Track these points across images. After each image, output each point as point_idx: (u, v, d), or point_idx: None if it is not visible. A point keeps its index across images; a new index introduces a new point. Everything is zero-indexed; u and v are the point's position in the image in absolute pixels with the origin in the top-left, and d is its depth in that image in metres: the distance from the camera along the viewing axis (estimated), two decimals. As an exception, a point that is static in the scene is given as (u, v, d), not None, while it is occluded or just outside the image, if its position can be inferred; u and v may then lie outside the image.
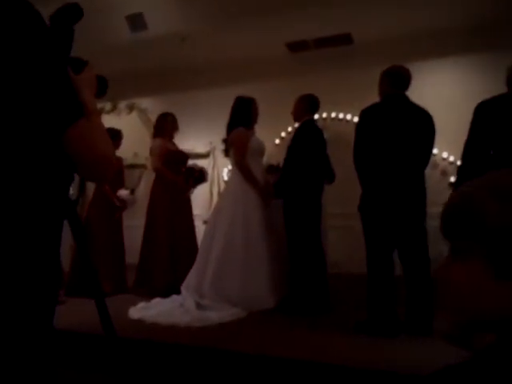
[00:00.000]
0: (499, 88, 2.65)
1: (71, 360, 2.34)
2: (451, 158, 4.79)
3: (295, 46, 5.39)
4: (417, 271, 2.87)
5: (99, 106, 0.99)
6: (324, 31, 4.98)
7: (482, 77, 4.60)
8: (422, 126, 2.98)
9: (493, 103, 2.56)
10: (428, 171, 3.15)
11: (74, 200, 1.01)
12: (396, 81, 3.03)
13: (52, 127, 0.84)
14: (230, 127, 4.04)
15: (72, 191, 1.13)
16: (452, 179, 4.71)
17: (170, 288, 4.01)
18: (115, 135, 4.42)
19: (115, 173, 4.53)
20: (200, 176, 4.55)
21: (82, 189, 1.02)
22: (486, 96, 2.60)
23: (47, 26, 0.90)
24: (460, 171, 2.73)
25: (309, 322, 3.24)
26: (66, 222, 0.96)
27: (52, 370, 0.89)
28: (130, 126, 5.82)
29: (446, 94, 4.79)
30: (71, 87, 0.89)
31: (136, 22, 4.83)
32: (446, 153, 4.77)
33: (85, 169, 0.92)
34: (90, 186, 4.78)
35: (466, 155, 2.62)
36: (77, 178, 0.98)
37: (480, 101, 2.61)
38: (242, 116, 4.01)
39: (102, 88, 1.02)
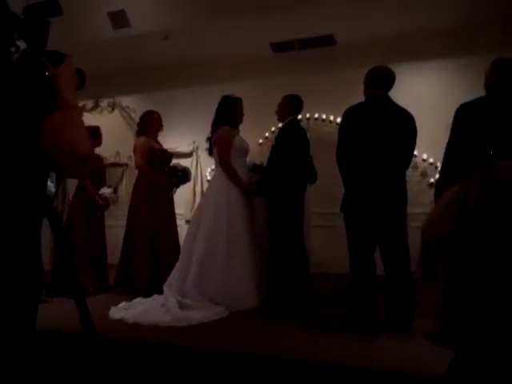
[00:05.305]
0: (478, 91, 2.70)
1: (51, 360, 2.31)
2: (431, 160, 4.87)
3: (279, 47, 5.41)
4: (398, 270, 2.91)
5: (81, 103, 0.98)
6: (307, 32, 5.01)
7: (460, 80, 4.67)
8: (404, 126, 3.02)
9: (473, 106, 2.59)
10: (408, 172, 3.19)
11: (52, 197, 0.99)
12: (379, 81, 3.06)
13: (24, 123, 0.82)
14: (215, 126, 4.03)
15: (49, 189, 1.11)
16: (432, 180, 4.79)
17: (152, 287, 3.98)
18: (94, 133, 4.31)
19: (97, 172, 4.47)
20: (183, 176, 4.52)
21: (57, 186, 1.00)
22: (465, 99, 2.64)
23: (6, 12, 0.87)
24: (441, 173, 2.77)
25: (291, 320, 3.25)
26: (46, 221, 0.94)
27: (34, 370, 0.88)
28: (112, 125, 5.76)
29: (425, 96, 4.86)
30: (44, 80, 0.87)
31: (118, 18, 4.80)
32: (426, 154, 4.84)
33: (62, 163, 0.89)
34: (72, 186, 4.71)
35: (447, 157, 2.66)
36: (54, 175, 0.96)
37: (460, 103, 2.65)
38: (227, 115, 4.00)
39: (80, 81, 1.01)
